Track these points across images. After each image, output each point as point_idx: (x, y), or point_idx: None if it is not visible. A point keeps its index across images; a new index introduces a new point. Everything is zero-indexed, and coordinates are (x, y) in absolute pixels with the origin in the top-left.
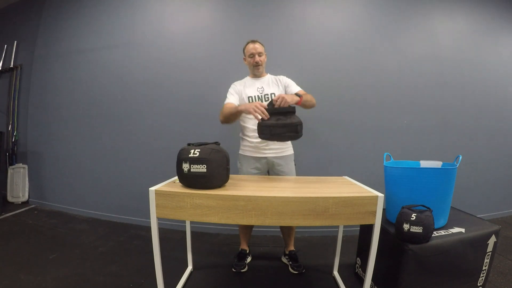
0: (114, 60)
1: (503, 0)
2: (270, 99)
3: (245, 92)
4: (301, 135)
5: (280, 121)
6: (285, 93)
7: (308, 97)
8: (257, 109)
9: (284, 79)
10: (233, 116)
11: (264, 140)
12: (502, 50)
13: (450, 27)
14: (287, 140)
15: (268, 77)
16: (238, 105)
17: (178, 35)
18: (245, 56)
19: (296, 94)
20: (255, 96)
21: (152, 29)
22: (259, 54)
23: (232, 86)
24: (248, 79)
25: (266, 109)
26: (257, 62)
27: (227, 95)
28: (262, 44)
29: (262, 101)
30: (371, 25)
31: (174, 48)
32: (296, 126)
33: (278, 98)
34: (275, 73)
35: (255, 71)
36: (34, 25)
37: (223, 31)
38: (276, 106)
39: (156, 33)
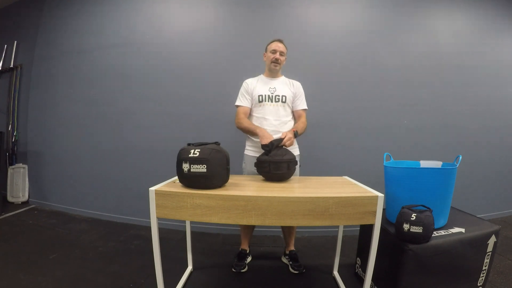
0: (114, 60)
1: (503, 0)
2: (279, 101)
3: (256, 90)
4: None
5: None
6: (292, 101)
7: (303, 129)
8: (267, 142)
9: (297, 87)
10: (250, 134)
11: None
12: (503, 50)
13: (450, 27)
14: (284, 173)
15: (282, 79)
16: (257, 128)
17: (178, 35)
18: (266, 51)
19: (295, 133)
20: (265, 95)
21: (152, 29)
22: (281, 54)
23: (244, 85)
24: (262, 77)
25: (272, 143)
26: (276, 59)
27: (239, 96)
28: (286, 47)
29: (272, 101)
30: (371, 24)
31: (174, 48)
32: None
33: (288, 140)
34: (283, 73)
35: (272, 68)
36: (34, 25)
37: (224, 31)
38: (283, 145)
39: (156, 33)
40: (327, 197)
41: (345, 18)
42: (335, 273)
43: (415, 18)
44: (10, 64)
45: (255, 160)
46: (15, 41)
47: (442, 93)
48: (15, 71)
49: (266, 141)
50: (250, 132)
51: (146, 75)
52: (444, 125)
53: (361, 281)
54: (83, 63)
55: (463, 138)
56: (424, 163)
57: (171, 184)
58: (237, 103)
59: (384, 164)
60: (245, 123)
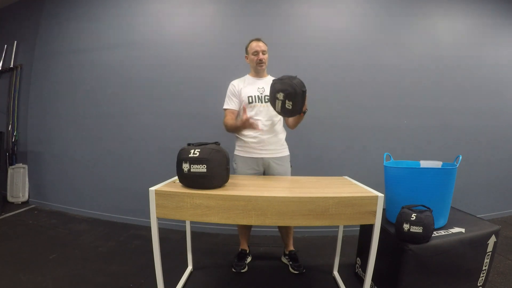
0: (114, 60)
1: (503, 0)
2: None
3: (244, 91)
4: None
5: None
6: None
7: (300, 120)
8: (251, 126)
9: None
10: (237, 131)
11: (259, 140)
12: (502, 50)
13: (450, 27)
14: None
15: (269, 78)
16: (237, 121)
17: (177, 35)
18: (247, 54)
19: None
20: (255, 96)
21: (152, 29)
22: (263, 52)
23: (230, 86)
24: (248, 78)
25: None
26: (261, 60)
27: (226, 99)
28: (265, 43)
29: (262, 101)
30: (371, 25)
31: (174, 48)
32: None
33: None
34: (274, 73)
35: (258, 69)
36: (34, 25)
37: (222, 31)
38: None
39: (156, 33)
40: (327, 197)
41: (345, 18)
42: (335, 273)
43: (415, 19)
44: (10, 64)
45: (247, 161)
46: (15, 41)
47: (442, 93)
48: (15, 71)
49: (256, 127)
50: (237, 129)
51: (146, 75)
52: (444, 125)
53: (361, 281)
54: (83, 63)
55: (463, 138)
56: (424, 163)
57: (171, 184)
58: (224, 106)
59: (384, 164)
60: (228, 123)
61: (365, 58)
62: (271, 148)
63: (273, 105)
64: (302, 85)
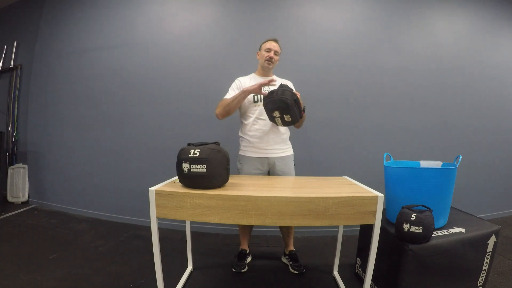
0: (114, 60)
1: (503, 0)
2: None
3: None
4: (293, 109)
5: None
6: None
7: (303, 121)
8: (261, 86)
9: (291, 87)
10: (236, 102)
11: (264, 140)
12: (502, 50)
13: (451, 27)
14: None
15: (275, 78)
16: (243, 90)
17: (178, 35)
18: (260, 50)
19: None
20: (260, 95)
21: (152, 29)
22: (275, 53)
23: (236, 81)
24: (254, 76)
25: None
26: (270, 58)
27: (229, 90)
28: (280, 47)
29: None
30: (371, 25)
31: (174, 48)
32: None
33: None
34: (275, 73)
35: (266, 67)
36: (34, 25)
37: (223, 31)
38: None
39: (156, 33)
40: (327, 197)
41: (345, 18)
42: (335, 273)
43: (415, 19)
44: (10, 64)
45: (252, 161)
46: (15, 41)
47: (442, 93)
48: (15, 71)
49: (259, 84)
50: (237, 101)
51: (146, 75)
52: (444, 125)
53: (361, 281)
54: (83, 63)
55: (463, 138)
56: (424, 163)
57: (171, 184)
58: (225, 96)
59: (384, 164)
60: (225, 101)
61: (365, 59)
62: (276, 148)
63: (274, 123)
64: (291, 94)
